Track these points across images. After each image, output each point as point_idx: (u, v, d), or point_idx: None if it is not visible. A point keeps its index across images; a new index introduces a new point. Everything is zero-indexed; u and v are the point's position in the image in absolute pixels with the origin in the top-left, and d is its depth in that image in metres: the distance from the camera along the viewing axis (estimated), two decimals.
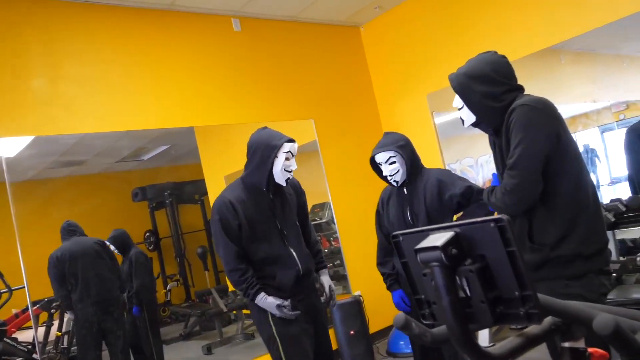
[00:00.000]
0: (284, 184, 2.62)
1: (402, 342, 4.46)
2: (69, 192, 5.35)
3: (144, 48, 4.24)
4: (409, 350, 4.41)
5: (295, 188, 2.83)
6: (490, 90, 1.99)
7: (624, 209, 3.51)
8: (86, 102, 3.88)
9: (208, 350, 5.07)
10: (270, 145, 2.59)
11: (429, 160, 5.18)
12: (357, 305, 4.61)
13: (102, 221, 5.22)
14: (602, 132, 4.83)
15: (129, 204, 5.94)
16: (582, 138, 4.96)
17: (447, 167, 5.14)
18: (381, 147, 2.86)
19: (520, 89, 2.07)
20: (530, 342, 1.16)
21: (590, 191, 1.97)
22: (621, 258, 3.55)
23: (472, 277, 1.02)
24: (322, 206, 5.32)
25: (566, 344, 1.20)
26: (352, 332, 4.50)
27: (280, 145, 2.57)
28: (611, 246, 3.67)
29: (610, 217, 3.42)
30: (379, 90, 5.71)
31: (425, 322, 1.20)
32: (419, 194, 2.79)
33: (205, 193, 5.97)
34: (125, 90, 4.09)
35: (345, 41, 5.63)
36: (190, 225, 6.52)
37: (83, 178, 5.78)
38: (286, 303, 2.53)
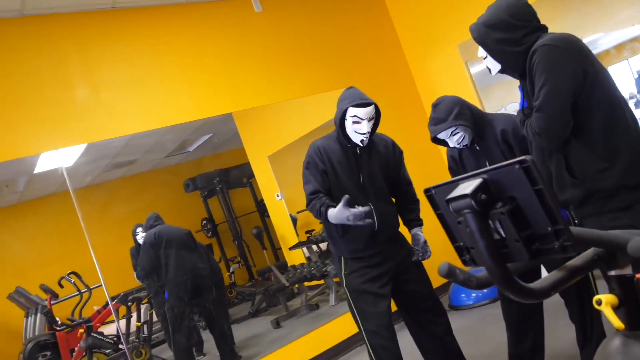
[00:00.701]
0: (361, 144, 2.68)
1: (463, 295, 4.50)
2: (126, 191, 5.62)
3: (171, 43, 4.34)
4: (470, 302, 4.46)
5: (390, 147, 2.88)
6: (509, 36, 1.97)
7: None
8: (126, 104, 4.03)
9: (277, 324, 5.26)
10: (339, 108, 2.68)
11: None
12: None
13: (160, 214, 5.45)
14: None
15: (182, 195, 6.17)
16: (637, 64, 4.74)
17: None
18: (437, 124, 2.63)
19: (543, 28, 2.02)
20: (573, 274, 1.19)
21: (630, 121, 1.92)
22: None
23: (504, 219, 1.06)
24: None
25: (612, 272, 1.23)
26: None
27: (345, 110, 2.63)
28: None
29: None
30: (407, 47, 5.62)
31: (466, 266, 1.25)
32: (492, 148, 2.64)
33: (252, 175, 6.12)
34: (160, 87, 4.21)
35: (369, 7, 5.55)
36: (243, 208, 6.71)
37: (136, 177, 6.04)
38: (361, 209, 2.45)
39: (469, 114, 2.63)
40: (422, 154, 5.29)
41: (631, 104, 4.79)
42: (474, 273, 1.25)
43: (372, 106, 2.64)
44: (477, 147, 2.69)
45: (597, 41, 4.76)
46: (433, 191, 1.23)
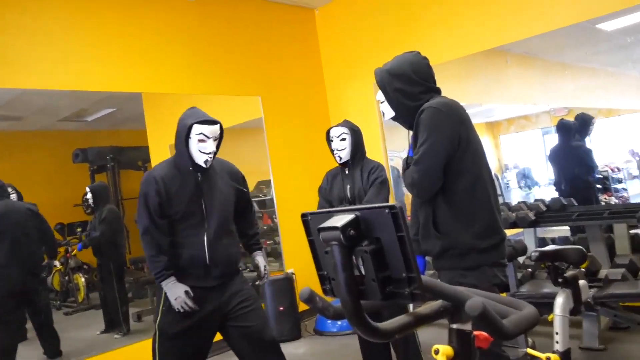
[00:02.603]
0: (204, 166, 2.56)
1: (329, 322, 4.59)
2: (4, 146, 5.18)
3: (94, 6, 4.12)
4: (335, 330, 4.56)
5: (231, 172, 2.77)
6: (407, 89, 2.14)
7: (544, 208, 3.73)
8: (26, 55, 3.75)
9: (138, 317, 5.06)
10: (183, 124, 2.54)
11: (372, 146, 5.30)
12: (288, 283, 4.72)
13: (38, 179, 5.09)
14: (544, 134, 5.08)
15: (69, 164, 5.79)
16: (524, 138, 5.20)
17: (391, 156, 5.29)
18: (339, 124, 3.23)
19: (437, 90, 2.22)
20: (419, 321, 1.27)
21: (489, 190, 2.14)
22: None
23: (367, 257, 1.11)
24: (267, 183, 5.37)
25: (454, 326, 1.31)
26: (281, 308, 4.61)
27: (190, 126, 2.51)
28: (530, 243, 3.93)
29: (531, 215, 3.63)
30: (328, 73, 5.77)
31: (326, 295, 1.29)
32: (357, 176, 3.11)
33: (149, 160, 5.89)
34: (70, 48, 3.97)
35: (299, 22, 5.64)
36: (131, 192, 6.40)
37: (20, 134, 5.58)
38: (185, 298, 2.46)
39: (358, 139, 3.19)
40: (320, 176, 5.39)
41: (514, 173, 5.23)
42: (335, 303, 1.29)
43: (218, 125, 2.57)
44: (347, 172, 3.18)
45: (492, 110, 5.18)
46: (309, 217, 1.26)
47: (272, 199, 5.25)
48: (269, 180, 5.27)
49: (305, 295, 1.29)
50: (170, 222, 2.56)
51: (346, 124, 3.23)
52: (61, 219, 5.27)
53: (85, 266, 5.24)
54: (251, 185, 5.78)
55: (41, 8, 3.86)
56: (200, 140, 2.52)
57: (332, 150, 3.22)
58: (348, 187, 3.13)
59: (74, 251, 5.29)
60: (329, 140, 3.24)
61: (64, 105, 5.04)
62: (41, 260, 4.33)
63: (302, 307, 4.90)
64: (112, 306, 4.79)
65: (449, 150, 2.05)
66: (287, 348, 4.38)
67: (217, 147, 2.60)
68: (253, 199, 5.66)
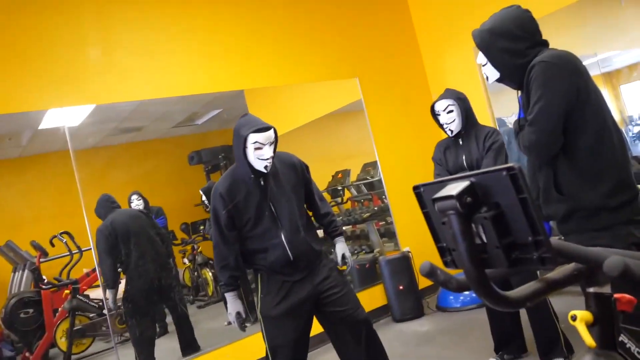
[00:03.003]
0: (265, 171, 2.60)
1: (451, 297, 4.51)
2: (128, 157, 5.63)
3: (190, 15, 4.34)
4: (457, 305, 4.47)
5: (291, 166, 2.79)
6: (513, 47, 2.00)
7: None
8: (139, 69, 4.05)
9: None
10: (239, 135, 2.58)
11: (478, 114, 5.09)
12: (405, 261, 4.69)
13: (160, 184, 5.48)
14: None
15: (186, 167, 6.18)
16: None
17: (499, 120, 5.06)
18: (441, 96, 3.08)
19: (545, 43, 2.06)
20: (551, 287, 1.20)
21: (616, 143, 1.96)
22: None
23: (487, 224, 1.06)
24: (374, 165, 5.36)
25: (591, 289, 1.23)
26: (401, 287, 4.60)
27: (246, 137, 2.55)
28: None
29: None
30: (424, 44, 5.61)
31: (448, 268, 1.26)
32: (472, 144, 2.99)
33: None
34: (175, 56, 4.22)
35: None
36: None
37: (141, 144, 6.04)
38: (241, 317, 2.68)
39: (467, 106, 3.04)
40: (429, 151, 5.29)
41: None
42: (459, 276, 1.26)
43: (272, 130, 2.59)
44: (460, 142, 3.04)
45: (611, 59, 4.73)
46: (422, 189, 1.23)
47: (380, 180, 5.24)
48: (375, 162, 5.25)
49: (425, 269, 1.27)
50: (246, 231, 2.66)
51: (450, 94, 3.07)
52: (184, 218, 5.63)
53: (211, 261, 5.55)
54: (357, 167, 5.80)
55: (144, 24, 4.13)
56: (257, 148, 2.55)
57: (440, 125, 3.09)
58: (464, 157, 3.02)
59: (200, 248, 5.64)
60: (435, 115, 3.11)
61: (176, 111, 5.37)
62: (169, 257, 4.65)
63: (423, 284, 4.86)
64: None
65: (567, 105, 1.91)
66: (410, 326, 4.40)
67: (274, 150, 2.63)
68: (360, 182, 5.74)
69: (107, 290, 4.12)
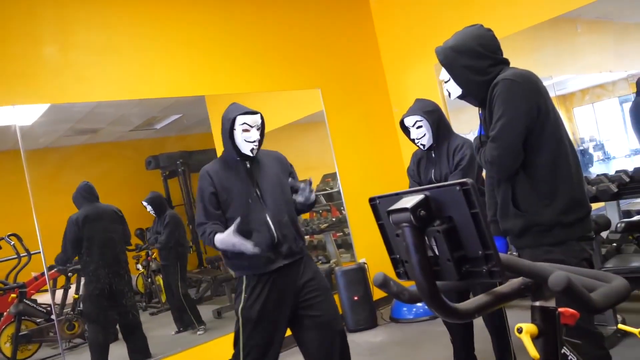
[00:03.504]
0: (251, 154, 2.67)
1: (404, 309, 4.56)
2: (83, 159, 5.48)
3: (153, 17, 4.28)
4: (411, 316, 4.53)
5: (276, 158, 2.87)
6: (475, 64, 2.04)
7: (627, 179, 3.52)
8: (96, 70, 3.95)
9: (218, 314, 5.24)
10: (227, 118, 2.68)
11: None
12: (360, 272, 4.72)
13: (115, 188, 5.34)
14: (621, 102, 4.79)
15: (142, 171, 6.06)
16: (600, 108, 4.92)
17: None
18: (410, 111, 2.96)
19: (506, 62, 2.11)
20: (499, 300, 1.23)
21: (572, 162, 2.03)
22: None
23: (440, 237, 1.09)
24: (333, 176, 5.39)
25: (537, 303, 1.27)
26: (355, 298, 4.62)
27: (234, 118, 2.65)
28: (614, 216, 3.72)
29: (614, 187, 3.43)
30: (387, 59, 5.69)
31: (400, 279, 1.28)
32: (443, 157, 2.91)
33: None
34: (134, 59, 4.14)
35: (353, 10, 5.59)
36: None
37: (97, 146, 5.90)
38: (249, 244, 2.52)
39: (437, 119, 2.91)
40: (388, 164, 5.37)
41: (591, 146, 4.96)
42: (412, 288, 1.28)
43: (259, 115, 2.70)
44: (433, 155, 2.96)
45: (565, 82, 4.92)
46: (377, 201, 1.25)
47: (339, 192, 5.26)
48: (335, 173, 5.28)
49: (379, 280, 1.29)
50: (231, 212, 2.65)
51: (417, 109, 2.94)
52: (140, 224, 5.52)
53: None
54: (317, 178, 5.82)
55: (105, 24, 4.04)
56: (245, 130, 2.65)
57: (412, 140, 2.99)
58: (433, 171, 2.96)
59: (155, 254, 5.54)
60: (405, 131, 3.02)
61: (134, 115, 5.26)
62: (126, 262, 4.55)
63: (377, 295, 4.90)
64: (180, 305, 4.99)
65: (529, 123, 1.96)
66: (364, 337, 4.43)
67: (261, 136, 2.71)
68: (319, 193, 5.75)
69: (59, 268, 4.27)
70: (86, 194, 4.23)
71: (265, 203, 2.68)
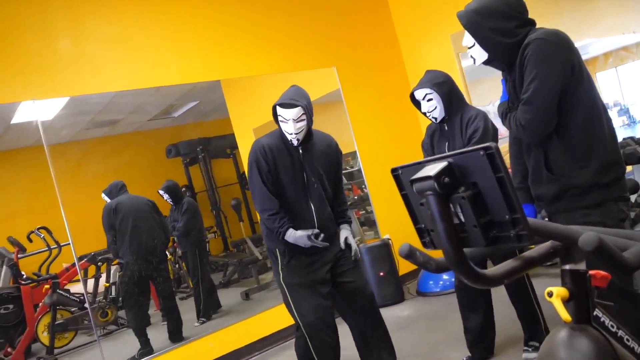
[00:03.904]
0: (294, 144, 2.72)
1: (431, 282, 4.56)
2: (105, 150, 5.56)
3: (163, 4, 4.27)
4: (437, 289, 4.52)
5: (329, 146, 2.90)
6: (502, 26, 1.96)
7: None
8: (111, 61, 3.97)
9: (246, 296, 5.30)
10: (273, 106, 2.73)
11: None
12: (385, 248, 4.72)
13: (137, 177, 5.41)
14: None
15: (163, 160, 6.12)
16: (624, 72, 4.79)
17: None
18: (420, 84, 2.87)
19: (533, 22, 2.03)
20: (528, 265, 1.22)
21: (605, 123, 1.97)
22: None
23: (465, 204, 1.07)
24: (354, 155, 5.37)
25: (567, 267, 1.25)
26: (381, 274, 4.63)
27: (274, 108, 2.71)
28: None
29: None
30: (401, 33, 5.61)
31: (426, 249, 1.27)
32: (456, 130, 2.82)
33: (236, 147, 6.08)
34: (148, 47, 4.14)
35: None
36: (224, 179, 6.69)
37: (117, 137, 5.97)
38: (315, 231, 2.66)
39: (447, 90, 2.81)
40: (407, 140, 5.33)
41: (615, 111, 4.85)
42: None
43: (298, 108, 2.64)
44: (446, 128, 2.87)
45: (587, 47, 4.79)
46: (400, 171, 1.24)
47: (359, 170, 5.25)
48: (355, 152, 5.26)
49: (405, 251, 1.28)
50: (276, 191, 2.72)
51: (426, 81, 2.85)
52: (163, 212, 5.59)
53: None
54: None
55: (116, 14, 4.04)
56: (282, 122, 2.69)
57: (424, 114, 2.92)
58: (447, 144, 2.88)
59: None
60: (416, 104, 2.94)
61: (151, 104, 5.30)
62: (161, 249, 4.68)
63: (403, 270, 4.90)
64: (204, 289, 5.06)
65: (563, 83, 1.89)
66: (391, 311, 4.44)
67: (307, 125, 2.71)
68: None
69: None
70: (116, 188, 4.51)
71: (310, 193, 2.76)
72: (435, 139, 2.97)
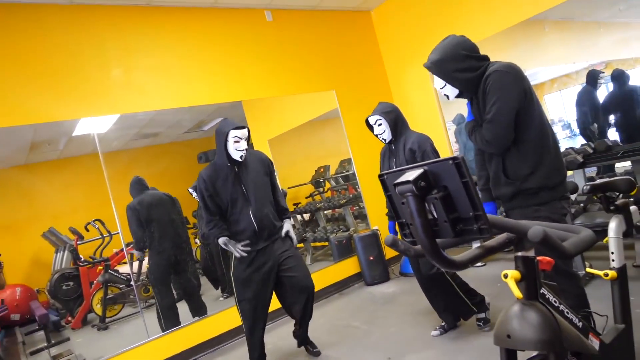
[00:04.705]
0: (240, 160, 2.76)
1: (410, 266, 4.55)
2: (147, 158, 5.57)
3: (196, 40, 4.29)
4: None
5: (260, 160, 2.93)
6: (464, 66, 2.00)
7: (591, 151, 3.45)
8: (154, 85, 3.99)
9: None
10: (222, 132, 2.76)
11: (431, 119, 5.15)
12: (374, 237, 4.72)
13: (174, 180, 5.41)
14: None
15: (195, 165, 6.13)
16: (567, 94, 4.80)
17: (449, 125, 5.11)
18: (373, 112, 2.91)
19: (486, 58, 2.06)
20: (488, 252, 1.23)
21: (551, 137, 2.00)
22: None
23: (437, 203, 1.09)
24: (349, 161, 5.38)
25: (519, 253, 1.26)
26: (371, 258, 4.63)
27: (228, 132, 2.73)
28: (580, 182, 3.66)
29: (580, 158, 3.37)
30: (388, 63, 5.63)
31: (406, 239, 1.28)
32: (400, 150, 2.86)
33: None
34: (183, 74, 4.17)
35: (358, 24, 5.53)
36: None
37: (158, 147, 5.98)
38: (240, 245, 2.76)
39: (394, 117, 2.85)
40: None
41: (559, 126, 4.86)
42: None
43: (246, 128, 2.78)
44: (393, 147, 2.91)
45: (536, 74, 4.81)
46: (385, 176, 1.25)
47: (354, 173, 5.26)
48: (350, 159, 5.27)
49: (389, 241, 1.30)
50: (225, 207, 2.81)
51: (378, 110, 2.89)
52: (195, 207, 5.60)
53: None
54: (335, 163, 5.81)
55: (158, 47, 4.07)
56: (236, 142, 2.73)
57: (376, 136, 2.93)
58: (394, 161, 2.91)
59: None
60: (370, 128, 2.93)
61: (186, 119, 5.30)
62: (186, 236, 4.60)
63: (389, 255, 4.91)
64: (222, 274, 5.01)
65: (518, 105, 1.93)
66: (379, 289, 4.45)
67: (248, 144, 2.80)
68: (338, 175, 5.75)
69: (136, 252, 4.21)
70: (137, 185, 4.26)
71: (249, 200, 2.80)
72: (386, 157, 2.98)
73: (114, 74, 3.82)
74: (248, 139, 2.80)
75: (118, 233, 3.91)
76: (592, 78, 4.11)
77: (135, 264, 5.07)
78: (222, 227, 2.81)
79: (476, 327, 2.93)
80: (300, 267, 2.91)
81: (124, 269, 4.97)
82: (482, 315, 2.88)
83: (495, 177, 2.08)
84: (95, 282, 4.74)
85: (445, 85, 2.07)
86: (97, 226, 4.68)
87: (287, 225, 2.97)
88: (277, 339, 3.68)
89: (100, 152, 3.73)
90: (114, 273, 4.81)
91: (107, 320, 4.60)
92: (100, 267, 4.74)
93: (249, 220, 2.78)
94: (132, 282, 4.65)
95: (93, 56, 3.73)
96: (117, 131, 4.35)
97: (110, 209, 3.69)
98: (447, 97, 2.11)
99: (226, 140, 2.73)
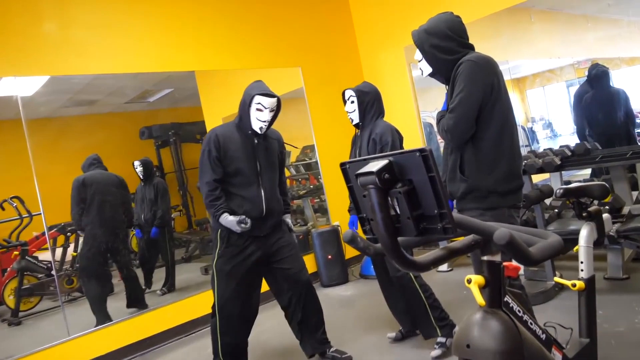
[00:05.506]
0: (259, 132, 2.71)
1: (372, 266, 4.63)
2: (81, 129, 5.35)
3: None
4: None
5: (277, 140, 2.91)
6: (443, 45, 2.09)
7: (569, 154, 3.60)
8: (94, 45, 3.85)
9: (205, 271, 5.25)
10: (247, 94, 2.71)
11: (405, 107, 5.22)
12: (334, 234, 4.76)
13: (111, 156, 5.24)
14: (568, 86, 4.84)
15: (137, 141, 5.96)
16: (550, 91, 4.98)
17: (424, 115, 5.19)
18: (352, 87, 2.94)
19: (471, 47, 2.16)
20: (452, 254, 1.27)
21: (513, 139, 2.10)
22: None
23: (401, 198, 1.11)
24: (312, 147, 5.38)
25: (484, 257, 1.31)
26: (329, 257, 4.68)
27: (253, 96, 2.68)
28: (557, 186, 3.81)
29: (557, 160, 3.50)
30: (361, 42, 5.65)
31: (367, 236, 1.30)
32: (364, 139, 2.88)
33: (205, 133, 5.99)
34: (129, 35, 4.04)
35: None
36: (192, 162, 6.56)
37: (94, 117, 5.76)
38: (242, 217, 2.62)
39: (368, 100, 2.86)
40: None
41: (540, 125, 5.04)
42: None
43: (275, 99, 2.72)
44: (358, 134, 2.94)
45: (519, 67, 4.96)
46: (347, 165, 1.26)
47: (316, 162, 5.27)
48: (313, 145, 5.27)
49: (348, 237, 1.31)
50: (228, 176, 2.70)
51: (357, 87, 2.91)
52: (133, 189, 5.46)
53: None
54: (297, 150, 5.80)
55: (101, 2, 3.92)
56: (258, 109, 2.68)
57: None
58: (357, 150, 2.94)
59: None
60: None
61: (129, 87, 5.14)
62: (123, 224, 4.53)
63: (349, 254, 4.97)
64: (171, 266, 4.98)
65: (482, 100, 2.02)
66: (336, 291, 4.50)
67: (273, 117, 2.75)
68: (299, 163, 5.74)
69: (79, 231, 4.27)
70: (93, 161, 4.29)
71: (262, 179, 2.74)
72: (354, 145, 3.03)
73: (46, 28, 3.65)
74: (275, 112, 2.73)
75: (40, 214, 3.76)
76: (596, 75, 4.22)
77: (59, 251, 4.90)
78: (223, 205, 2.66)
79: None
80: (296, 258, 2.84)
81: (44, 255, 4.79)
82: (442, 340, 2.81)
83: (451, 171, 2.18)
84: (8, 269, 4.55)
85: (422, 59, 2.17)
86: (14, 204, 4.47)
87: (286, 221, 2.93)
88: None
89: (24, 118, 3.57)
90: (32, 260, 4.63)
91: (20, 314, 4.43)
92: (16, 252, 4.55)
93: (258, 201, 2.69)
94: (53, 272, 4.49)
95: (22, 6, 3.54)
96: (45, 95, 4.17)
97: (33, 185, 3.55)
98: (422, 72, 2.21)
99: (250, 105, 2.68)
